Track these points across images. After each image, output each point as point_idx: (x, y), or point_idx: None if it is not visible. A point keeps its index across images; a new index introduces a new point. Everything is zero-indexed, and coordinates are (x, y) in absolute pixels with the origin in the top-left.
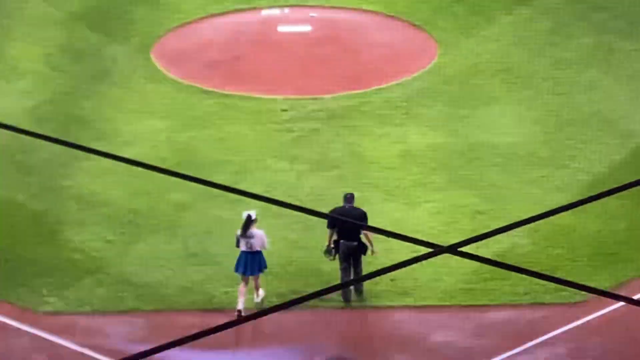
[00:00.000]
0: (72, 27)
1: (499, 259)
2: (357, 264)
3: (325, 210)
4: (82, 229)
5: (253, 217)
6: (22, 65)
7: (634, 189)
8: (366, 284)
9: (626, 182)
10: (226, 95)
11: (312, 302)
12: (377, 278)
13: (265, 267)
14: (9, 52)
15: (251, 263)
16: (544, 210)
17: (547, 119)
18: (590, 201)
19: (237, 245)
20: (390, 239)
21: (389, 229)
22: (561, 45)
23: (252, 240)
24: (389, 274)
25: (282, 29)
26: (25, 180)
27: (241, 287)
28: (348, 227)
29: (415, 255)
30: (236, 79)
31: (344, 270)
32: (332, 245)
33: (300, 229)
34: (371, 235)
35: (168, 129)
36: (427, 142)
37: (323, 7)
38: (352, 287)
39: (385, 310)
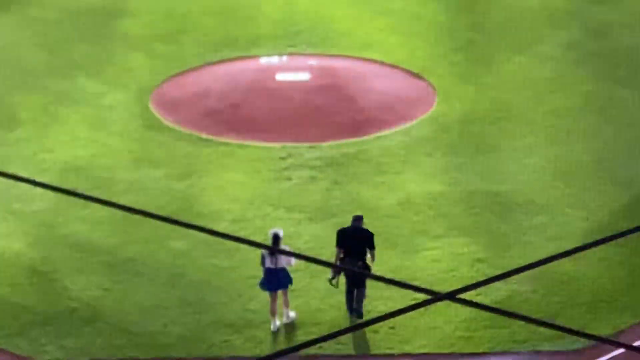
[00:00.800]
0: (70, 75)
1: (498, 307)
2: (361, 285)
3: (325, 258)
4: (80, 277)
5: (280, 235)
6: (20, 115)
7: (632, 236)
8: (366, 331)
9: (625, 229)
10: (224, 143)
11: (312, 350)
12: (377, 325)
13: (291, 282)
14: (8, 101)
15: (276, 279)
16: (543, 258)
17: (546, 167)
18: (589, 248)
19: (262, 264)
20: (389, 286)
21: (388, 276)
22: (560, 93)
23: (279, 257)
24: (388, 321)
25: (281, 77)
26: (23, 228)
27: (272, 308)
28: (355, 247)
29: (414, 302)
30: (234, 126)
31: (349, 292)
32: (337, 269)
33: (299, 277)
34: (374, 257)
35: (166, 177)
36: (426, 190)
37: (322, 55)
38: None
39: (385, 358)
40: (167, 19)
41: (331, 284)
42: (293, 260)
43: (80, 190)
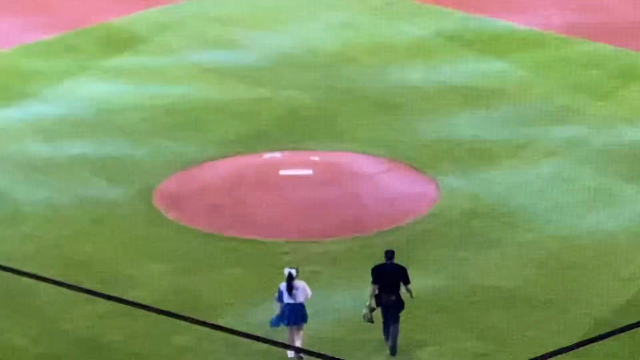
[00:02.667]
0: (74, 170)
1: None
2: (395, 320)
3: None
4: None
5: (294, 273)
6: (24, 209)
7: (634, 331)
8: None
9: (627, 325)
10: (228, 239)
11: None
12: None
13: (307, 318)
14: (11, 196)
15: (295, 313)
16: (545, 353)
17: (548, 262)
18: (591, 343)
19: (279, 300)
20: None
21: None
22: (563, 188)
23: (296, 292)
24: None
25: (284, 172)
26: (26, 323)
27: (290, 340)
28: (388, 282)
29: None
30: (238, 222)
31: (385, 323)
32: (374, 304)
33: None
34: (410, 287)
35: (170, 272)
36: (428, 285)
37: (324, 151)
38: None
39: None
40: (170, 115)
41: (369, 320)
42: (310, 294)
43: (83, 285)
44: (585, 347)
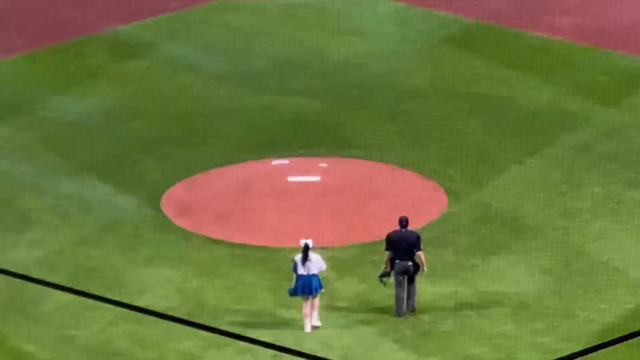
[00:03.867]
0: (81, 177)
1: None
2: (411, 283)
3: None
4: None
5: (310, 244)
6: (32, 216)
7: None
8: None
9: (636, 330)
10: (236, 245)
11: None
12: None
13: (322, 287)
14: (18, 202)
15: (309, 284)
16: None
17: (556, 269)
18: (600, 349)
19: (294, 270)
20: None
21: None
22: (571, 194)
23: (309, 264)
24: None
25: (292, 178)
26: (34, 329)
27: (305, 310)
28: (403, 248)
29: None
30: (246, 228)
31: (399, 286)
32: (388, 268)
33: None
34: (423, 256)
35: (178, 278)
36: (437, 291)
37: (333, 157)
38: (405, 304)
39: None
40: (178, 121)
41: (381, 281)
42: (324, 266)
43: (92, 292)
44: (595, 353)
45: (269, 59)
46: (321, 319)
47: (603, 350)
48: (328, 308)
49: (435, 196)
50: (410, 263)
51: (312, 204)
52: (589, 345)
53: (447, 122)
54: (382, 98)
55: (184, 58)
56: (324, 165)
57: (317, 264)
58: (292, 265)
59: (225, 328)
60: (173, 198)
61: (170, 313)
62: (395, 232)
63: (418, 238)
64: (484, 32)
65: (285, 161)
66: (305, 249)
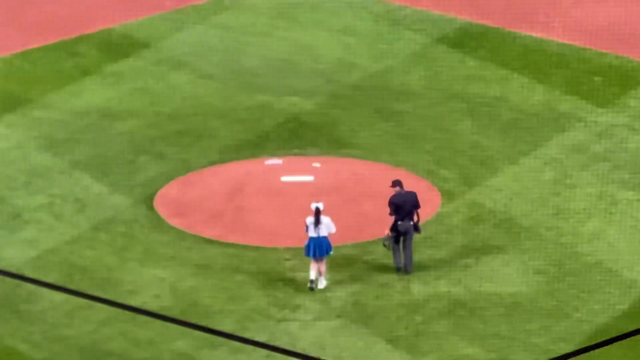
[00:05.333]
0: (75, 176)
1: None
2: (410, 243)
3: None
4: None
5: (321, 207)
6: (25, 215)
7: (637, 337)
8: None
9: (628, 331)
10: (229, 245)
11: None
12: None
13: (331, 250)
14: (12, 202)
15: (319, 246)
16: None
17: (550, 269)
18: (593, 349)
19: (307, 232)
20: None
21: None
22: (564, 195)
23: (321, 226)
24: None
25: (286, 178)
26: (28, 329)
27: (312, 263)
28: (407, 209)
29: None
30: (239, 228)
31: (397, 244)
32: (392, 233)
33: None
34: (419, 215)
35: (171, 277)
36: (431, 291)
37: (326, 157)
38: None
39: None
40: (172, 121)
41: (385, 246)
42: (334, 230)
43: (85, 291)
44: (588, 353)
45: (262, 59)
46: (314, 319)
47: (596, 351)
48: (322, 307)
49: (429, 196)
50: (411, 223)
51: (306, 204)
52: (582, 346)
53: (441, 122)
54: (376, 98)
55: (177, 57)
56: (318, 165)
57: (327, 227)
58: (305, 228)
59: (219, 328)
60: (166, 197)
61: (163, 313)
62: (396, 195)
63: (416, 196)
64: (478, 32)
65: (278, 161)
66: (317, 212)
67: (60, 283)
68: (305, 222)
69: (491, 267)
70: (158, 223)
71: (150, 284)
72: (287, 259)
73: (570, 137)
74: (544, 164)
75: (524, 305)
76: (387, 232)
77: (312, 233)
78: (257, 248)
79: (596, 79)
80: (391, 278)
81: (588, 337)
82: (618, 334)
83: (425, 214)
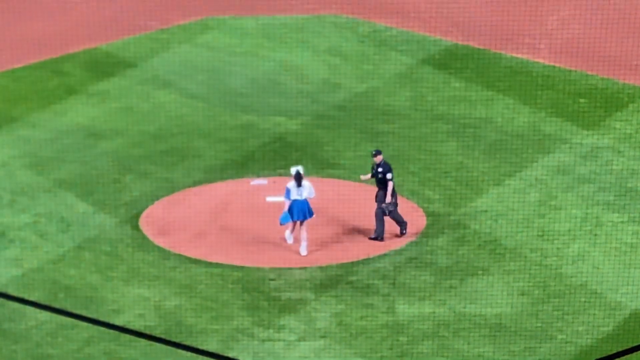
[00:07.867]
0: (60, 195)
1: None
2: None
3: None
4: None
5: (301, 171)
6: (9, 234)
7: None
8: None
9: (612, 353)
10: (213, 265)
11: None
12: None
13: (312, 214)
14: None
15: (301, 209)
16: None
17: (534, 290)
18: None
19: (287, 197)
20: None
21: None
22: (549, 216)
23: (302, 189)
24: None
25: (270, 199)
26: (11, 347)
27: (292, 230)
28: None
29: None
30: (223, 248)
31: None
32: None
33: None
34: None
35: (156, 297)
36: (415, 312)
37: (311, 177)
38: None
39: None
40: (157, 140)
41: (386, 213)
42: (314, 193)
43: (69, 310)
44: None
45: (248, 79)
46: (298, 339)
47: None
48: (306, 328)
49: (414, 217)
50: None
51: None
52: None
53: (426, 143)
54: (361, 118)
55: (163, 77)
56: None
57: (308, 189)
58: (284, 193)
59: (203, 347)
60: (151, 217)
61: (147, 332)
62: (387, 162)
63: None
64: (464, 53)
65: (263, 181)
66: (298, 175)
67: (44, 302)
68: (285, 187)
69: (475, 288)
70: (142, 242)
71: (135, 303)
72: (271, 279)
73: (555, 159)
74: (529, 186)
75: (508, 327)
76: (388, 199)
77: (294, 196)
78: (241, 268)
79: (582, 100)
80: (375, 300)
81: (572, 358)
82: (602, 356)
83: (409, 235)
